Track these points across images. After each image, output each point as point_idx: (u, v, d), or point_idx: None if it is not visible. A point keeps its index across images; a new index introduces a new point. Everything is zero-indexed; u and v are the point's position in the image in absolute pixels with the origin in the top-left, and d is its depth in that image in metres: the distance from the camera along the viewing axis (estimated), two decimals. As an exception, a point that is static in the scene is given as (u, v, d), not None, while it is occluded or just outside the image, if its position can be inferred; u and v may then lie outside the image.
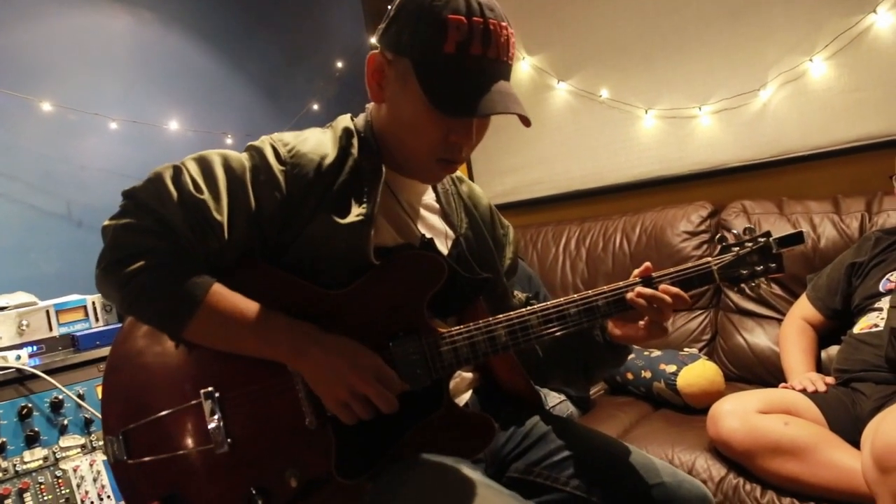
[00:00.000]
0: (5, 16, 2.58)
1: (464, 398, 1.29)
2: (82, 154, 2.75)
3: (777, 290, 2.39)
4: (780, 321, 2.28)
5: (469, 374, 1.32)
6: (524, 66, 3.24)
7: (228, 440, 1.07)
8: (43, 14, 2.69)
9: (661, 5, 2.82)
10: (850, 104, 2.45)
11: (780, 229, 1.20)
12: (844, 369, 1.90)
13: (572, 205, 3.23)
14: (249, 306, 1.06)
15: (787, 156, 2.60)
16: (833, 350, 2.07)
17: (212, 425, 1.06)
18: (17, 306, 2.18)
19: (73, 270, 2.61)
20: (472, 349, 1.12)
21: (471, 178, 3.51)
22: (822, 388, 1.85)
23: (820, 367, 2.07)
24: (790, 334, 2.14)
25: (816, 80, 2.51)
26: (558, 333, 1.14)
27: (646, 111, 2.90)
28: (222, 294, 1.05)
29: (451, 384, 1.23)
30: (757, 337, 2.37)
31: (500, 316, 1.14)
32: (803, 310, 2.16)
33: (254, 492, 1.06)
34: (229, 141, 3.19)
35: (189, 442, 1.08)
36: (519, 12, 3.20)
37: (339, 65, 3.67)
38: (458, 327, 1.13)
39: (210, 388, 1.08)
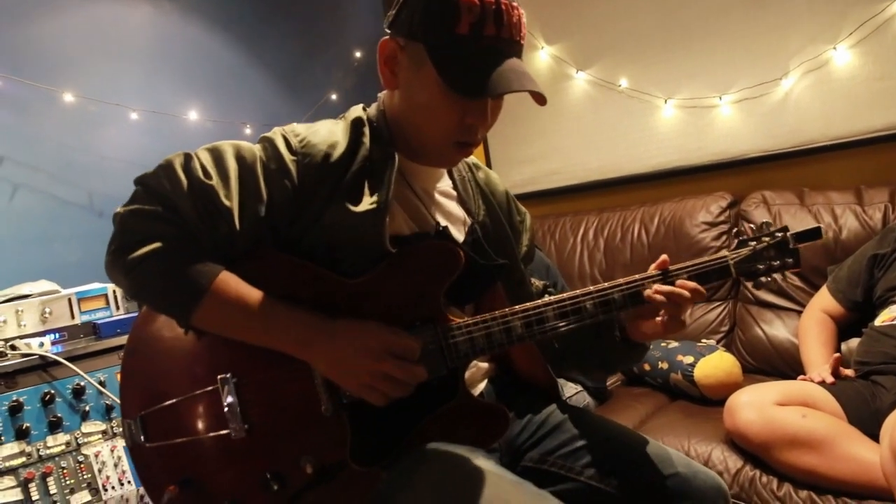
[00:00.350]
0: (28, 8, 2.61)
1: (479, 388, 1.29)
2: (103, 144, 2.79)
3: (797, 281, 2.37)
4: (799, 313, 2.25)
5: (485, 365, 1.32)
6: (543, 56, 3.23)
7: (245, 426, 1.08)
8: (64, 5, 2.71)
9: (682, -7, 2.79)
10: (875, 93, 2.42)
11: (801, 220, 1.20)
12: (865, 361, 1.88)
13: (590, 195, 3.22)
14: (256, 297, 1.06)
15: (809, 146, 2.57)
16: (854, 342, 2.04)
17: (228, 411, 1.08)
18: (40, 294, 2.21)
19: (94, 259, 2.61)
20: (488, 340, 1.12)
21: (488, 167, 3.50)
22: (829, 378, 1.83)
23: (841, 358, 2.05)
24: (810, 326, 2.12)
25: (840, 68, 2.47)
26: (574, 326, 1.14)
27: (665, 101, 2.88)
28: (230, 283, 1.05)
29: (467, 374, 1.23)
30: (776, 329, 2.35)
31: (517, 307, 1.14)
32: (824, 302, 2.14)
33: (269, 477, 1.07)
34: (248, 131, 3.21)
35: (206, 427, 1.09)
36: (538, 2, 3.18)
37: (357, 55, 3.68)
38: (474, 317, 1.13)
39: (227, 374, 1.09)
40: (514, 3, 1.09)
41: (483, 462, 1.05)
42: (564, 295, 1.14)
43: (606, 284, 1.15)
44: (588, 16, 3.07)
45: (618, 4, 2.97)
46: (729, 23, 2.69)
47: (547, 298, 1.15)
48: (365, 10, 3.81)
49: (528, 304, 1.14)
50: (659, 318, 1.16)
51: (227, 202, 1.07)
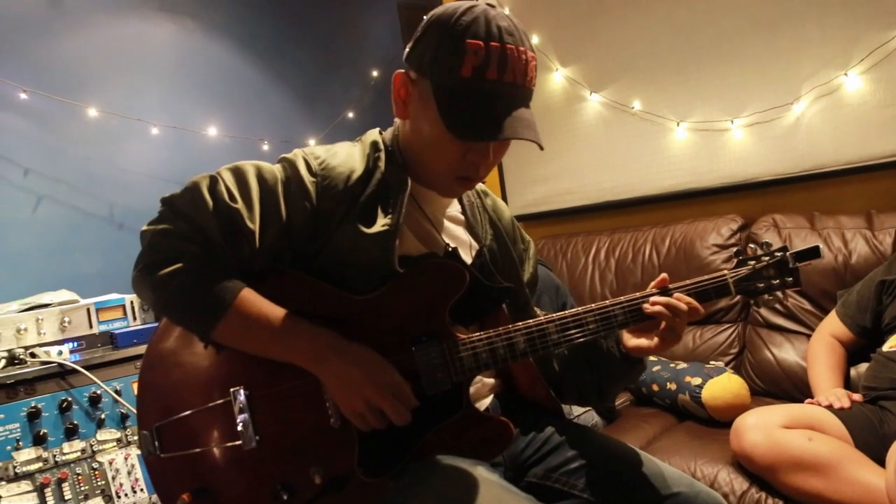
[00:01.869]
0: (55, 25, 2.69)
1: (485, 403, 1.32)
2: (124, 158, 2.85)
3: (806, 305, 2.37)
4: (808, 336, 2.26)
5: (490, 380, 1.35)
6: (557, 77, 3.27)
7: (256, 437, 1.11)
8: (90, 23, 2.79)
9: (696, 18, 2.82)
10: (886, 119, 2.43)
11: (811, 244, 1.21)
12: (872, 387, 1.88)
13: (602, 215, 3.24)
14: (275, 312, 1.10)
15: (820, 170, 2.58)
16: (863, 367, 2.05)
17: (240, 423, 1.11)
18: (59, 304, 2.26)
19: (113, 270, 2.71)
20: (491, 355, 1.15)
21: (502, 186, 3.55)
22: (846, 403, 1.83)
23: (849, 384, 2.05)
24: (818, 350, 2.12)
25: (851, 94, 2.49)
26: (577, 341, 1.17)
27: (678, 123, 2.91)
28: (250, 299, 1.10)
29: (473, 389, 1.26)
30: (785, 352, 2.36)
31: (520, 324, 1.17)
32: (832, 326, 2.14)
33: (279, 487, 1.10)
34: (266, 147, 3.27)
35: (218, 438, 1.13)
36: (553, 24, 3.23)
37: (375, 74, 3.74)
38: (478, 333, 1.17)
39: (240, 387, 1.12)
40: (522, 48, 1.11)
41: (487, 474, 1.08)
42: (566, 312, 1.17)
43: (607, 302, 1.18)
44: (602, 38, 3.11)
45: (632, 28, 3.01)
46: (742, 47, 2.72)
47: (549, 315, 1.18)
48: (383, 31, 3.88)
49: (530, 320, 1.17)
50: (655, 333, 1.19)
51: (250, 224, 1.11)
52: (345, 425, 1.12)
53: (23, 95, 2.56)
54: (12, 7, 2.58)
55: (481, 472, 1.08)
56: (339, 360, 1.09)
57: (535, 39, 3.24)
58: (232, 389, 1.12)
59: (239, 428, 1.11)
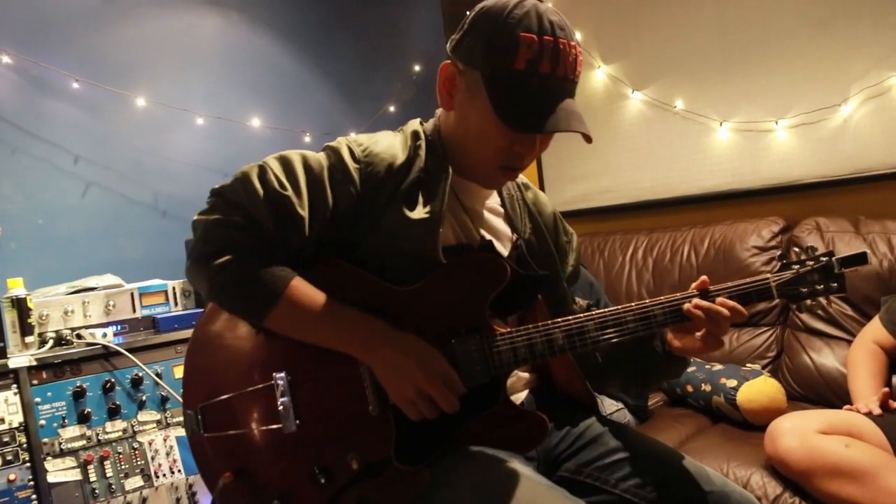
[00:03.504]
0: (108, 18, 2.76)
1: (520, 397, 1.33)
2: (170, 147, 2.92)
3: (848, 310, 2.33)
4: (849, 342, 2.22)
5: (526, 374, 1.36)
6: (599, 75, 3.25)
7: (297, 421, 1.14)
8: (140, 16, 2.86)
9: (744, 16, 2.78)
10: (938, 122, 2.38)
11: (855, 249, 1.19)
12: (914, 395, 1.85)
13: (641, 215, 3.22)
14: (326, 300, 1.12)
15: (867, 173, 2.53)
16: (905, 375, 2.01)
17: (282, 407, 1.13)
18: (105, 287, 2.33)
19: (157, 256, 2.78)
20: (530, 350, 1.16)
21: (541, 183, 3.54)
22: (876, 410, 1.80)
23: (892, 392, 2.01)
24: (860, 357, 2.08)
25: (903, 96, 2.44)
26: (614, 340, 1.17)
27: (721, 123, 2.87)
28: (301, 288, 1.12)
29: (508, 382, 1.27)
30: (824, 357, 2.32)
31: (559, 319, 1.18)
32: (875, 332, 2.10)
33: (317, 471, 1.12)
34: (307, 139, 3.32)
35: (260, 421, 1.16)
36: (596, 21, 3.21)
37: (417, 68, 3.76)
38: (517, 328, 1.18)
39: (282, 373, 1.15)
40: (573, 43, 1.13)
41: (520, 467, 1.09)
42: (606, 310, 1.18)
43: (647, 301, 1.18)
44: (645, 36, 3.08)
45: (677, 26, 2.98)
46: (790, 46, 2.67)
47: (589, 312, 1.18)
48: (425, 26, 3.89)
49: (570, 316, 1.18)
50: (698, 335, 1.18)
51: (300, 211, 1.14)
52: (383, 414, 1.14)
53: (75, 85, 2.64)
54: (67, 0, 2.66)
55: (515, 465, 1.09)
56: (390, 349, 1.11)
57: (577, 36, 3.21)
58: (275, 374, 1.15)
59: (280, 411, 1.13)
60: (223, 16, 3.14)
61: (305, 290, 1.12)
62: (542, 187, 3.53)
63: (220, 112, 3.04)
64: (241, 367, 1.18)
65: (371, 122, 3.57)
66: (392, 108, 3.66)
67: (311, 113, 3.42)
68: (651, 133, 3.12)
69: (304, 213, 1.14)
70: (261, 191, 1.13)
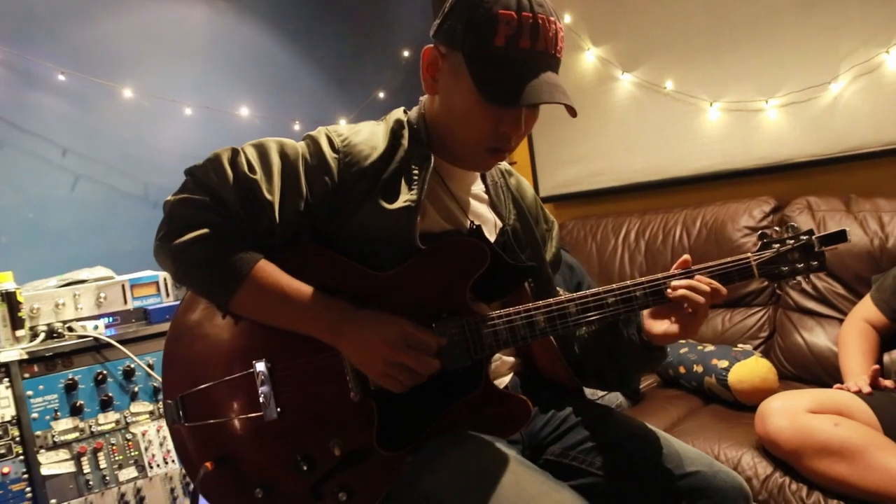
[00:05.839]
0: (94, 9, 2.74)
1: (504, 380, 1.33)
2: (159, 138, 2.90)
3: (840, 289, 2.33)
4: (841, 321, 2.21)
5: (510, 358, 1.36)
6: (589, 57, 3.23)
7: (278, 409, 1.14)
8: (126, 6, 2.84)
9: (732, -5, 2.76)
10: (928, 99, 2.36)
11: (846, 227, 1.19)
12: (904, 373, 1.85)
13: (633, 197, 3.21)
14: (292, 284, 1.12)
15: (858, 151, 2.52)
16: (896, 353, 2.01)
17: (262, 394, 1.14)
18: (96, 280, 2.33)
19: (147, 248, 2.67)
20: (511, 333, 1.16)
21: (533, 167, 3.53)
22: (866, 389, 1.80)
23: (882, 370, 2.01)
24: (850, 335, 2.08)
25: (892, 73, 2.42)
26: (595, 320, 1.17)
27: (711, 104, 2.85)
28: (267, 270, 1.12)
29: (492, 366, 1.27)
30: (816, 336, 2.32)
31: (540, 302, 1.17)
32: (866, 311, 2.09)
33: (299, 458, 1.12)
34: (297, 127, 3.30)
35: (241, 409, 1.16)
36: (585, 3, 3.19)
37: (406, 54, 3.73)
38: (498, 311, 1.17)
39: (262, 360, 1.15)
40: (552, 18, 1.13)
41: (504, 451, 1.09)
42: (587, 291, 1.17)
43: (629, 282, 1.18)
44: (635, 18, 3.06)
45: (666, 7, 2.95)
46: (778, 25, 2.65)
47: (570, 294, 1.18)
48: (414, 11, 3.86)
49: (550, 299, 1.17)
50: (676, 317, 1.18)
51: (269, 196, 1.13)
52: (364, 400, 1.14)
53: (61, 77, 2.62)
54: (50, -11, 2.63)
55: (498, 449, 1.09)
56: (354, 329, 1.10)
57: (566, 19, 3.20)
58: (255, 362, 1.15)
59: (261, 399, 1.13)
60: (210, 4, 3.12)
61: (272, 273, 1.12)
62: (534, 172, 3.52)
63: (208, 102, 3.02)
64: (220, 355, 1.18)
65: (361, 109, 3.55)
66: (382, 95, 3.64)
67: (301, 101, 3.40)
68: (642, 115, 3.10)
69: (273, 198, 1.14)
70: (230, 173, 1.13)
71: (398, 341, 1.09)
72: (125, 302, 2.35)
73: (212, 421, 1.16)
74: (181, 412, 1.17)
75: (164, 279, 2.45)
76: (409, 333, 1.10)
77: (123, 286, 2.35)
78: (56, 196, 2.62)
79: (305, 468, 1.12)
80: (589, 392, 2.16)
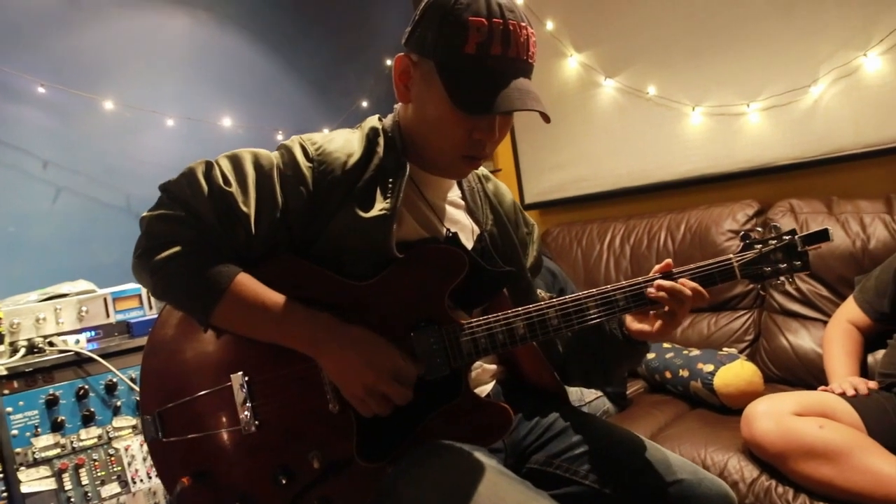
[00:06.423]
0: (72, 19, 2.72)
1: (486, 388, 1.32)
2: (141, 150, 2.88)
3: (823, 291, 2.34)
4: (825, 323, 2.22)
5: (492, 366, 1.35)
6: (571, 63, 3.23)
7: (256, 422, 1.12)
8: (106, 17, 2.82)
9: (712, 1, 2.77)
10: (907, 101, 2.38)
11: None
12: (888, 373, 1.85)
13: (618, 202, 3.21)
14: (272, 297, 1.11)
15: (839, 154, 2.53)
16: (880, 354, 2.01)
17: (241, 408, 1.12)
18: (77, 293, 2.30)
19: (130, 260, 2.72)
20: (490, 340, 1.15)
21: (517, 174, 3.53)
22: (863, 391, 1.80)
23: (866, 371, 2.02)
24: (835, 337, 2.08)
25: (871, 75, 2.44)
26: (577, 326, 1.16)
27: (693, 108, 2.87)
28: (246, 284, 1.11)
29: (473, 374, 1.26)
30: (801, 339, 2.33)
31: (520, 309, 1.17)
32: (850, 312, 2.10)
33: (278, 471, 1.11)
34: (280, 137, 3.29)
35: (219, 423, 1.14)
36: (567, 9, 3.20)
37: (388, 63, 3.72)
38: (477, 319, 1.16)
39: (240, 373, 1.14)
40: (524, 24, 1.12)
41: (483, 460, 1.08)
42: (567, 297, 1.17)
43: (609, 287, 1.17)
44: (616, 23, 3.07)
45: (646, 12, 2.97)
46: (758, 30, 2.67)
47: (550, 300, 1.17)
48: (396, 20, 3.86)
49: (530, 305, 1.17)
50: (656, 318, 1.18)
51: (244, 208, 1.12)
52: (343, 411, 1.12)
53: (40, 89, 2.60)
54: (28, 1, 2.61)
55: (478, 458, 1.08)
56: (337, 345, 1.09)
57: (548, 25, 3.21)
58: (232, 375, 1.14)
59: (239, 413, 1.12)
60: (191, 15, 3.10)
61: (252, 286, 1.11)
62: (518, 178, 3.52)
63: (190, 113, 3.01)
64: (198, 369, 1.16)
65: (344, 119, 3.54)
66: (365, 104, 3.63)
67: (283, 111, 3.39)
68: (625, 120, 3.11)
69: (249, 210, 1.13)
70: (205, 187, 1.12)
71: (386, 373, 1.08)
72: (107, 315, 2.32)
73: (190, 436, 1.14)
74: (159, 427, 1.16)
75: (147, 292, 2.42)
76: (399, 366, 1.10)
77: (105, 299, 2.32)
78: (37, 209, 2.59)
79: (284, 481, 1.11)
80: (576, 399, 2.17)
